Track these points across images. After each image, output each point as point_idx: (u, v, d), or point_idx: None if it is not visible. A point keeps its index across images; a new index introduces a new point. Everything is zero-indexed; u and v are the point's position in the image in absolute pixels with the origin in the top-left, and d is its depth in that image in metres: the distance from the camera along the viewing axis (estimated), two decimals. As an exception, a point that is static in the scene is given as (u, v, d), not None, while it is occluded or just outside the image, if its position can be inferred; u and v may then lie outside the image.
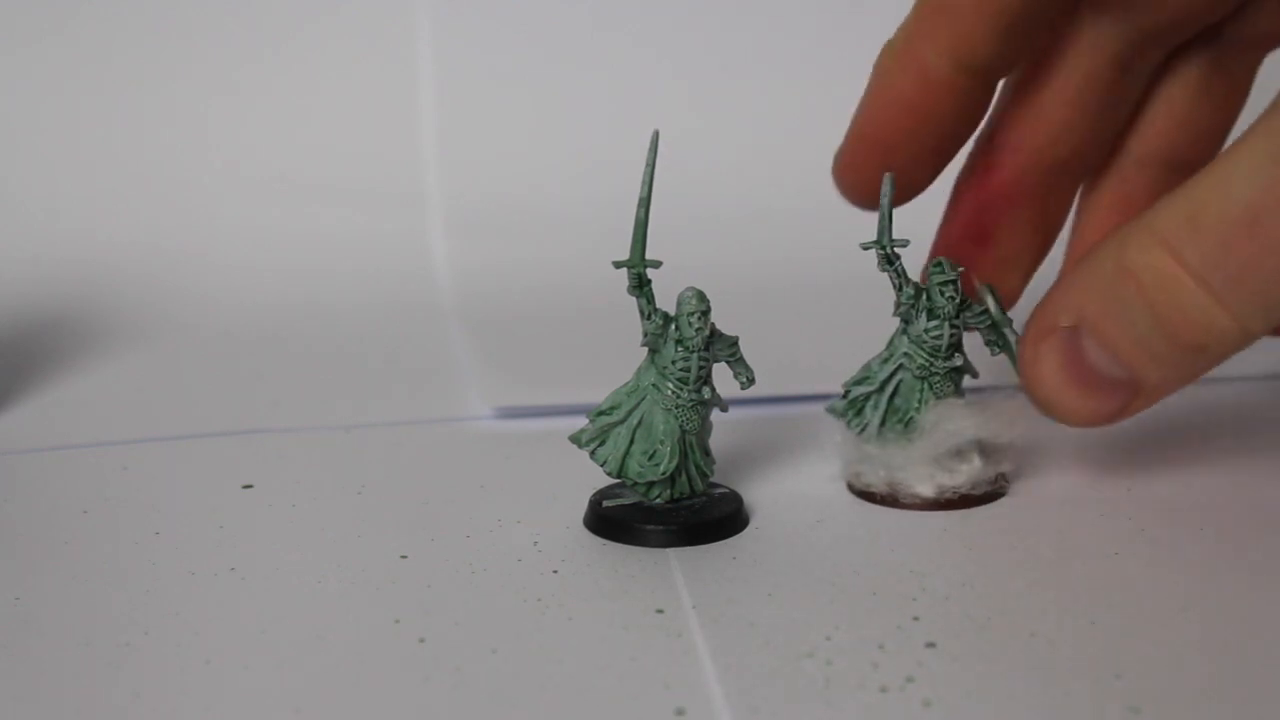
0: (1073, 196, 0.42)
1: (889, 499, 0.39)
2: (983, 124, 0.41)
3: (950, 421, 0.39)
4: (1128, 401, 0.35)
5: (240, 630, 0.32)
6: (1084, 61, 0.39)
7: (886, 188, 0.38)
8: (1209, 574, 0.35)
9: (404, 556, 0.36)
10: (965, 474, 0.39)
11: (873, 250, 0.39)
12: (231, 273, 0.63)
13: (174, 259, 0.63)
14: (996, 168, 0.40)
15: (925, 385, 0.39)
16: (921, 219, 0.43)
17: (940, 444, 0.39)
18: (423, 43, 0.70)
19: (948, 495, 0.39)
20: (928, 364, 0.39)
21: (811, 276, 0.62)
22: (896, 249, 0.38)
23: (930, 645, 0.31)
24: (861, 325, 0.56)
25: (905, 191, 0.40)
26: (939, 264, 0.38)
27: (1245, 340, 0.33)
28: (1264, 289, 0.31)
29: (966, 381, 0.40)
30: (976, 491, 0.39)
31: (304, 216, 0.66)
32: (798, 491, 0.40)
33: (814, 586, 0.34)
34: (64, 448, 0.44)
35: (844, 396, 0.40)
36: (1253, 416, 0.47)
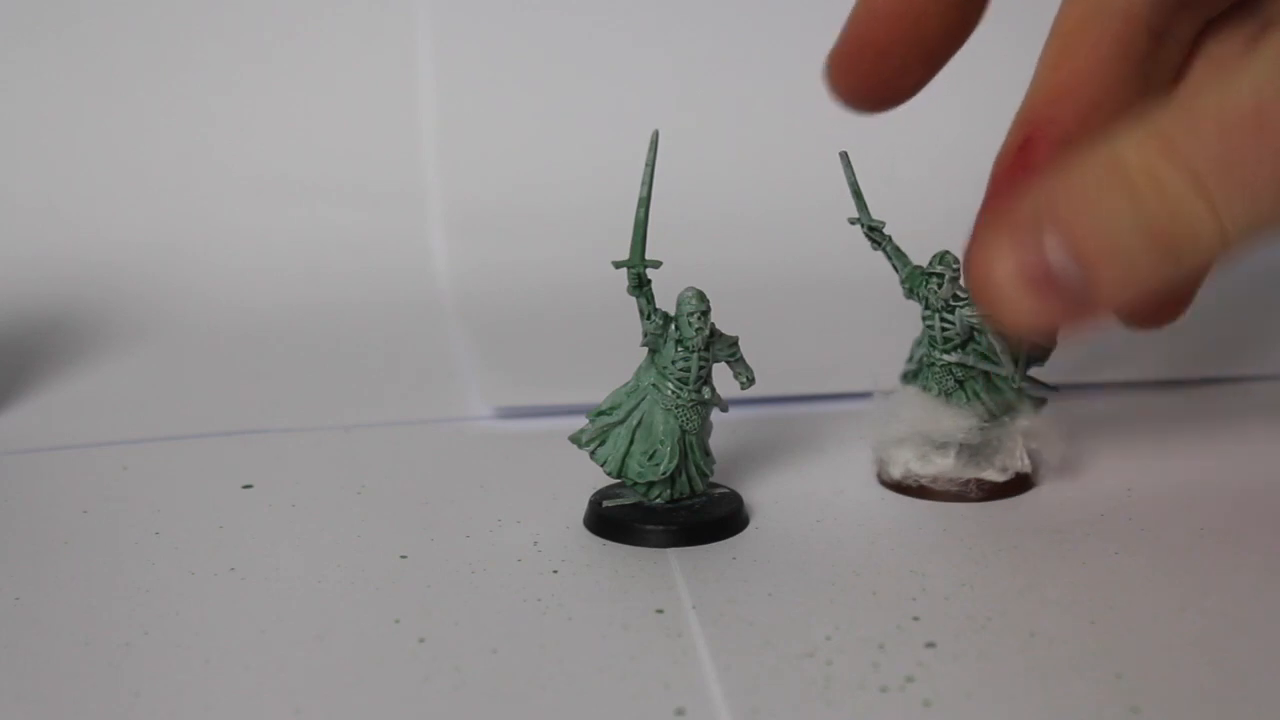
0: None
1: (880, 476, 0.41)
2: (1022, 101, 0.40)
3: (905, 411, 0.39)
4: (1077, 309, 0.33)
5: (240, 630, 0.32)
6: (1116, 28, 0.39)
7: (846, 165, 0.39)
8: (1209, 574, 0.35)
9: (404, 556, 0.36)
10: (936, 467, 0.39)
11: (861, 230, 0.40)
12: (231, 272, 0.63)
13: (174, 259, 0.63)
14: (1034, 143, 0.40)
15: (928, 374, 0.39)
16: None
17: (892, 432, 0.40)
18: (423, 43, 0.70)
19: (909, 481, 0.40)
20: (928, 352, 0.39)
21: (811, 276, 0.62)
22: (874, 227, 0.39)
23: (930, 645, 0.31)
24: (862, 325, 0.56)
25: (896, 95, 0.39)
26: (938, 256, 0.39)
27: (1221, 247, 0.32)
28: (1257, 193, 0.31)
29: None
30: (936, 486, 0.39)
31: (304, 216, 0.66)
32: (798, 491, 0.40)
33: (814, 586, 0.34)
34: (64, 448, 0.44)
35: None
36: (1253, 417, 0.46)
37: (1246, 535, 0.37)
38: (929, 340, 0.39)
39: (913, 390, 0.40)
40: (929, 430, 0.39)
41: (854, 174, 0.39)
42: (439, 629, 0.32)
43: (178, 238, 0.64)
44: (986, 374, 0.39)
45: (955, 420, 0.39)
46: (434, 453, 0.44)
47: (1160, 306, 0.41)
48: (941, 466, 0.39)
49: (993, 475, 0.40)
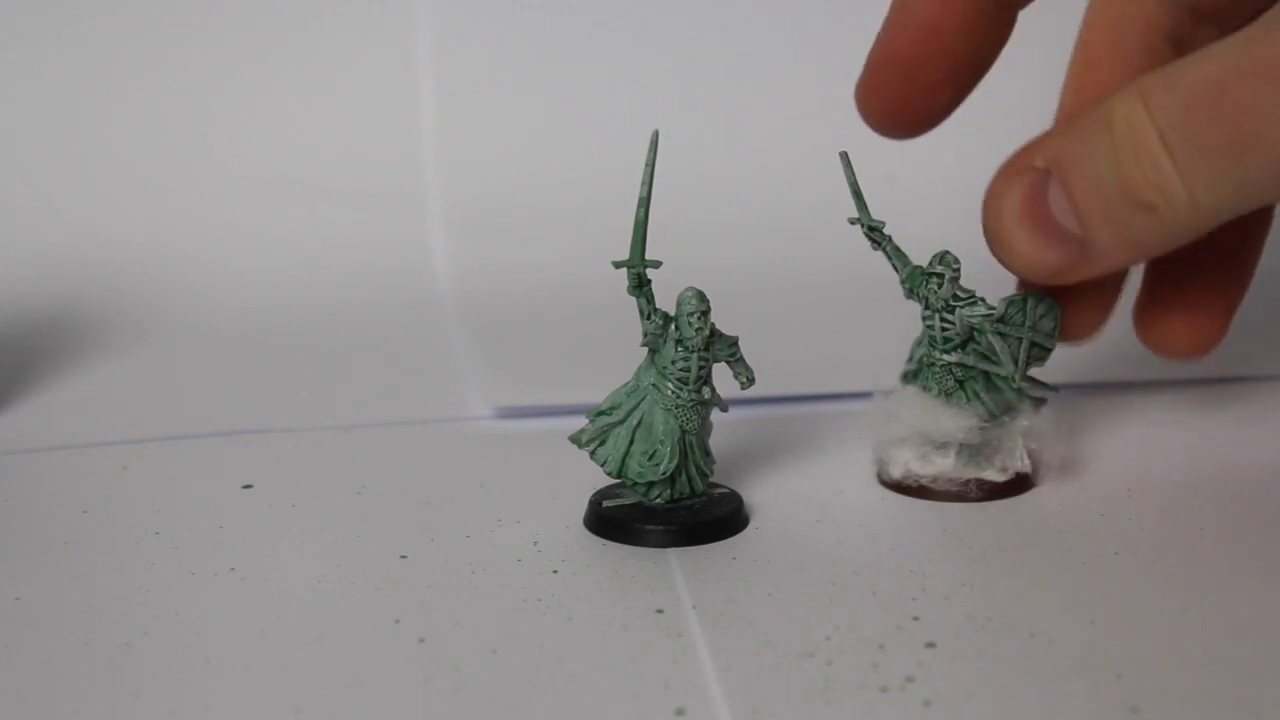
0: None
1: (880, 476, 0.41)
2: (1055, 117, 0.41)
3: (905, 410, 0.39)
4: (1075, 260, 0.35)
5: (240, 630, 0.32)
6: (1138, 40, 0.39)
7: (846, 165, 0.39)
8: (1209, 574, 0.35)
9: (404, 556, 0.36)
10: (936, 467, 0.39)
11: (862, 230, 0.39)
12: (231, 272, 0.63)
13: (174, 259, 0.63)
14: None
15: (928, 374, 0.39)
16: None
17: (892, 432, 0.40)
18: (423, 43, 0.70)
19: (909, 481, 0.40)
20: (928, 352, 0.39)
21: (811, 276, 0.62)
22: (873, 227, 0.39)
23: (930, 645, 0.31)
24: (862, 325, 0.56)
25: (925, 118, 0.40)
26: (938, 256, 0.39)
27: (1194, 213, 0.32)
28: (1213, 157, 0.32)
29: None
30: (936, 486, 0.39)
31: (304, 216, 0.66)
32: (798, 491, 0.40)
33: (814, 586, 0.34)
34: (64, 448, 0.44)
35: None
36: (1254, 417, 0.47)
37: (1246, 535, 0.37)
38: (929, 340, 0.39)
39: (913, 390, 0.40)
40: (929, 430, 0.39)
41: (854, 174, 0.39)
42: (439, 629, 0.32)
43: (178, 238, 0.64)
44: (986, 374, 0.39)
45: (955, 420, 0.39)
46: (434, 453, 0.44)
47: (1082, 321, 0.41)
48: (941, 466, 0.39)
49: (993, 475, 0.39)
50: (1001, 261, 0.36)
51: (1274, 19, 0.31)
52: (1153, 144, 0.32)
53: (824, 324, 0.58)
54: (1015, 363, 0.39)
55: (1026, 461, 0.40)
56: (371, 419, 0.47)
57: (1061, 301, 0.40)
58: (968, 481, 0.39)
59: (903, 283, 0.39)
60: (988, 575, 0.35)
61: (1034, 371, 0.40)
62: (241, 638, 0.32)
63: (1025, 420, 0.40)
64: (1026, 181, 0.35)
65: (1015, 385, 0.39)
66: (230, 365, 0.54)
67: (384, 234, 0.66)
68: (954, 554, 0.36)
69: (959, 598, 0.33)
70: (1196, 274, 0.40)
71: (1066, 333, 0.41)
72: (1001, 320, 0.39)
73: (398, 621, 0.32)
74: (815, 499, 0.40)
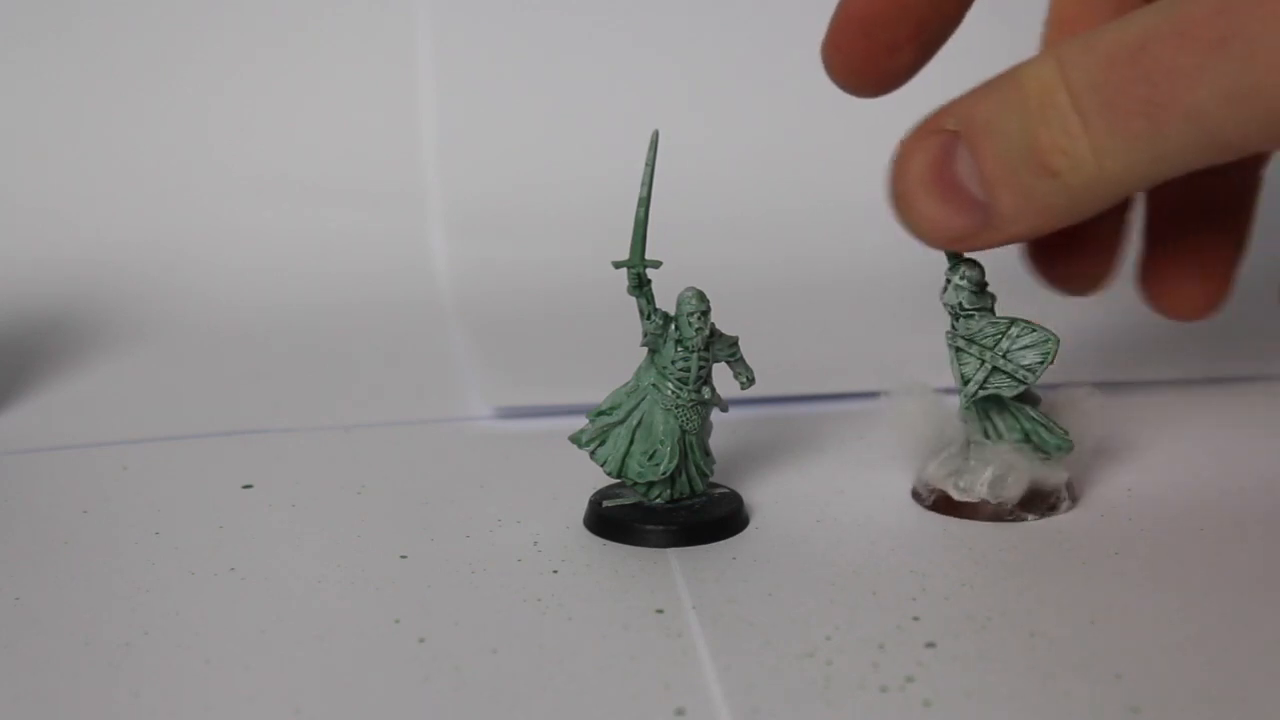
0: None
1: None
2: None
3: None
4: (979, 227, 0.34)
5: (240, 630, 0.32)
6: (1108, 5, 0.39)
7: None
8: (1209, 574, 0.35)
9: (404, 556, 0.36)
10: (924, 472, 0.39)
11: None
12: (231, 273, 0.63)
13: (174, 259, 0.63)
14: None
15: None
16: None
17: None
18: (423, 43, 0.70)
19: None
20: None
21: (811, 276, 0.62)
22: None
23: (930, 645, 0.31)
24: (862, 325, 0.57)
25: (888, 77, 0.38)
26: (953, 264, 0.37)
27: (1100, 181, 0.32)
28: (1128, 120, 0.31)
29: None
30: (917, 486, 0.39)
31: (304, 216, 0.66)
32: (798, 491, 0.40)
33: (814, 586, 0.34)
34: (64, 448, 0.44)
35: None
36: (1253, 418, 0.47)
37: (1246, 535, 0.37)
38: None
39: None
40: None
41: None
42: (439, 629, 0.32)
43: (178, 238, 0.64)
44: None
45: (938, 429, 0.38)
46: (434, 453, 0.44)
47: (1082, 270, 0.41)
48: (925, 469, 0.39)
49: (950, 491, 0.38)
50: (903, 225, 0.35)
51: None
52: (1063, 105, 0.31)
53: (824, 324, 0.58)
54: (963, 382, 0.37)
55: (985, 489, 0.38)
56: (371, 419, 0.47)
57: (1059, 261, 0.39)
58: (933, 490, 0.39)
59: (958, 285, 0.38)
60: (988, 575, 0.35)
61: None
62: (241, 638, 0.32)
63: (1007, 449, 0.38)
64: (935, 143, 0.34)
65: (966, 405, 0.38)
66: (230, 365, 0.54)
67: (384, 234, 0.66)
68: (954, 554, 0.36)
69: (959, 598, 0.33)
70: (1196, 234, 0.40)
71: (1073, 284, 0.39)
72: (969, 338, 0.37)
73: (398, 621, 0.32)
74: (815, 499, 0.40)
